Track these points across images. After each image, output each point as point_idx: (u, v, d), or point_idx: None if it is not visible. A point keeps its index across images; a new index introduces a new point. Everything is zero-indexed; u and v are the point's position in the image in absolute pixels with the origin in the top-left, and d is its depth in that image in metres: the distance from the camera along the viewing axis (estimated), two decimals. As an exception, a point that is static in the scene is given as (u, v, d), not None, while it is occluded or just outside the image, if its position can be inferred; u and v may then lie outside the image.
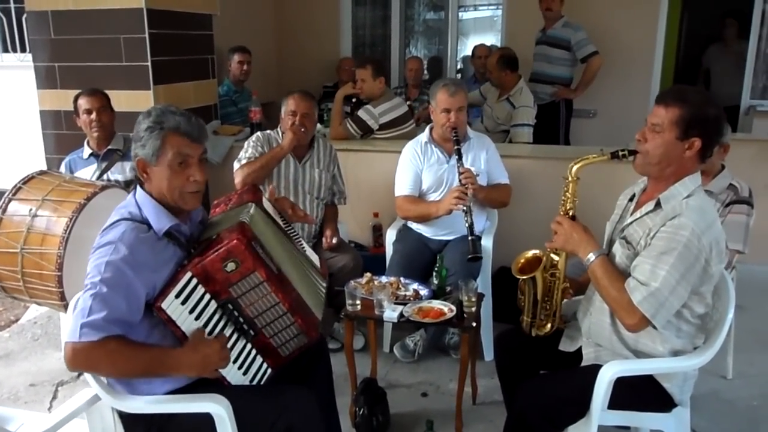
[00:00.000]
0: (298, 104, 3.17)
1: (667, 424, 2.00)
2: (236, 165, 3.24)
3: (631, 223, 1.97)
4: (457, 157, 3.02)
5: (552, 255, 2.08)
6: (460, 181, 2.95)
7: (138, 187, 1.86)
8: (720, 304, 2.05)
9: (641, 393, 1.95)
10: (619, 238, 1.99)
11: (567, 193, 2.03)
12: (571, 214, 2.02)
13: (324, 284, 2.12)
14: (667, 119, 1.85)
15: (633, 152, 1.94)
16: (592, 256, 1.91)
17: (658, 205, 1.90)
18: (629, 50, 5.35)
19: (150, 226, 1.77)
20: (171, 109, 1.82)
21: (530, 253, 2.13)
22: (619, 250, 1.96)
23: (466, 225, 2.84)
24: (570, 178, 2.01)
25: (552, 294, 2.10)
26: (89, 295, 1.65)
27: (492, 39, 6.26)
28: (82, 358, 1.65)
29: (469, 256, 2.77)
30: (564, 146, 4.83)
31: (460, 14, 6.32)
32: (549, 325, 2.12)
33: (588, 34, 4.83)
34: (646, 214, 1.93)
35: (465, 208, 2.86)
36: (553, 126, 4.91)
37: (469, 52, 5.86)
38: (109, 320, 1.63)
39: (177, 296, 1.73)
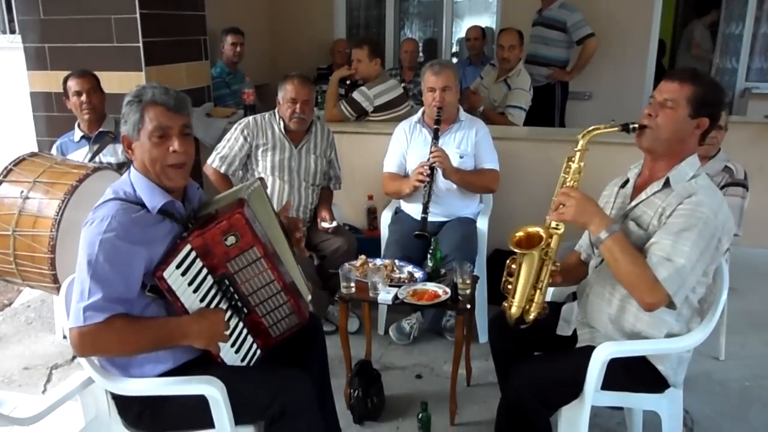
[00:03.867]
0: (298, 91, 3.12)
1: (660, 404, 2.01)
2: (212, 157, 3.26)
3: (638, 204, 1.94)
4: (433, 136, 3.07)
5: (552, 229, 1.93)
6: (427, 159, 2.99)
7: (132, 167, 1.85)
8: (714, 286, 2.06)
9: (635, 374, 1.96)
10: (630, 219, 1.94)
11: (573, 164, 1.93)
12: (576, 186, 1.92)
13: (308, 295, 2.09)
14: (683, 95, 1.84)
15: (643, 127, 1.89)
16: (606, 232, 1.80)
17: (666, 184, 1.88)
18: (625, 33, 5.32)
19: (143, 206, 1.75)
20: (152, 83, 1.83)
21: (532, 228, 1.96)
22: (629, 232, 1.91)
23: (423, 202, 2.92)
24: (579, 147, 1.93)
25: (541, 276, 1.95)
26: (86, 275, 1.64)
27: (487, 21, 6.22)
28: (89, 342, 1.65)
29: (415, 233, 2.86)
30: (559, 128, 4.81)
31: (456, -5, 6.27)
32: (534, 312, 1.96)
33: (584, 16, 4.80)
34: (654, 194, 1.91)
35: (425, 184, 2.93)
36: (548, 108, 4.89)
37: (464, 34, 5.81)
38: (109, 299, 1.63)
39: (178, 267, 1.73)
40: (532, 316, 1.96)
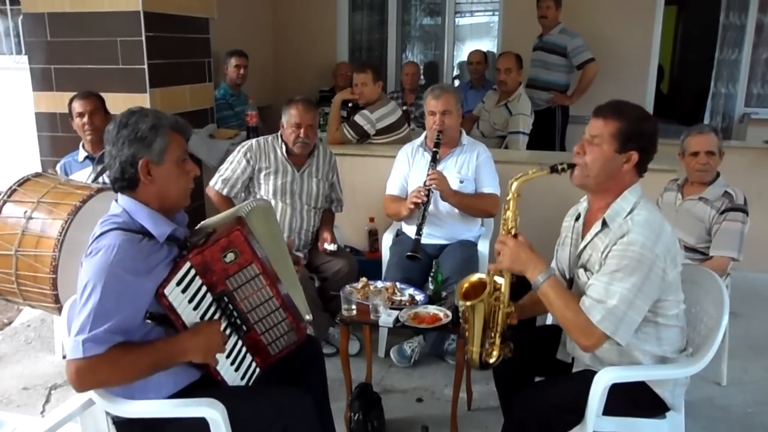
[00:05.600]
0: (302, 116, 3.14)
1: (661, 430, 2.00)
2: (214, 179, 3.27)
3: (584, 248, 1.96)
4: (431, 159, 3.10)
5: (495, 278, 1.97)
6: (424, 182, 3.01)
7: (120, 195, 1.80)
8: (714, 311, 2.06)
9: (635, 399, 1.96)
10: (578, 267, 1.96)
11: (508, 212, 1.95)
12: (514, 233, 1.94)
13: (309, 314, 2.08)
14: (606, 132, 1.86)
15: (572, 165, 1.91)
16: (541, 278, 1.85)
17: (604, 224, 1.89)
18: (625, 57, 5.37)
19: (143, 233, 1.72)
20: (157, 110, 1.85)
21: (475, 277, 2.02)
22: (581, 280, 1.93)
23: (417, 222, 2.95)
24: (511, 196, 1.94)
25: (496, 320, 1.97)
26: (89, 308, 1.60)
27: (488, 45, 6.28)
28: (89, 375, 1.62)
29: (407, 254, 2.90)
30: (560, 152, 4.84)
31: (457, 20, 6.34)
32: (495, 353, 1.97)
33: (584, 41, 4.85)
34: (596, 235, 1.92)
35: (421, 204, 2.97)
36: (549, 132, 4.92)
37: (465, 57, 5.87)
38: (110, 331, 1.61)
39: (178, 284, 1.73)
40: (493, 359, 1.98)
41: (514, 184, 1.95)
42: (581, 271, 1.94)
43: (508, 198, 1.96)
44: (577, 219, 2.07)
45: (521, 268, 1.89)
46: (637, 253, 1.78)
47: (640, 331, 1.87)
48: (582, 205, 2.07)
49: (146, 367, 1.69)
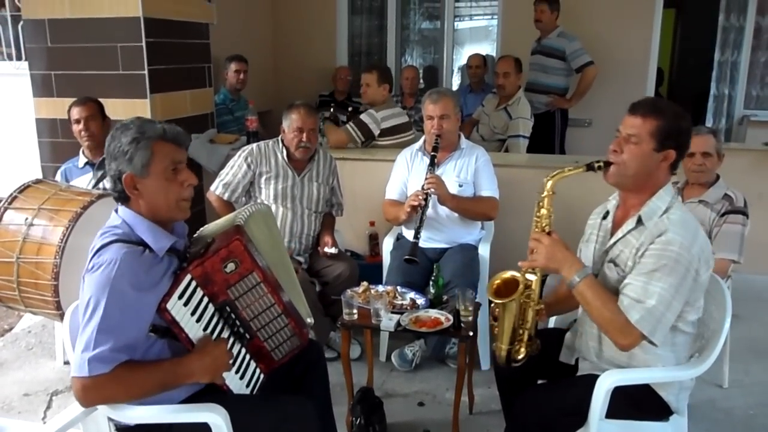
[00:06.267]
0: (304, 120, 3.15)
1: (664, 433, 2.00)
2: (215, 184, 3.28)
3: (615, 243, 1.95)
4: (429, 163, 3.11)
5: (527, 275, 1.96)
6: (422, 186, 3.01)
7: (120, 206, 1.78)
8: (716, 313, 2.06)
9: (638, 402, 1.95)
10: (607, 261, 1.96)
11: (542, 209, 1.94)
12: (547, 231, 1.93)
13: (310, 318, 2.09)
14: (645, 130, 1.85)
15: (609, 164, 1.90)
16: (577, 277, 1.85)
17: (639, 222, 1.89)
18: (624, 60, 5.39)
19: (144, 245, 1.71)
20: (146, 119, 1.79)
21: (507, 274, 1.99)
22: (608, 274, 1.94)
23: (415, 226, 2.95)
24: (545, 193, 1.94)
25: (525, 317, 1.98)
26: (93, 324, 1.59)
27: (488, 48, 6.29)
28: (95, 393, 1.62)
29: (405, 258, 2.90)
30: (560, 155, 4.85)
31: (456, 24, 6.35)
32: (524, 351, 1.98)
33: (583, 44, 4.86)
34: (629, 232, 1.91)
35: (419, 207, 2.97)
36: (548, 135, 4.93)
37: (464, 61, 5.89)
38: (116, 349, 1.60)
39: (180, 297, 1.73)
40: (521, 356, 1.99)
41: (549, 182, 1.94)
42: (610, 266, 1.93)
43: (542, 195, 1.94)
44: (604, 217, 2.06)
45: (557, 267, 1.88)
46: (676, 253, 1.78)
47: None
48: (611, 203, 2.06)
49: (152, 387, 1.68)
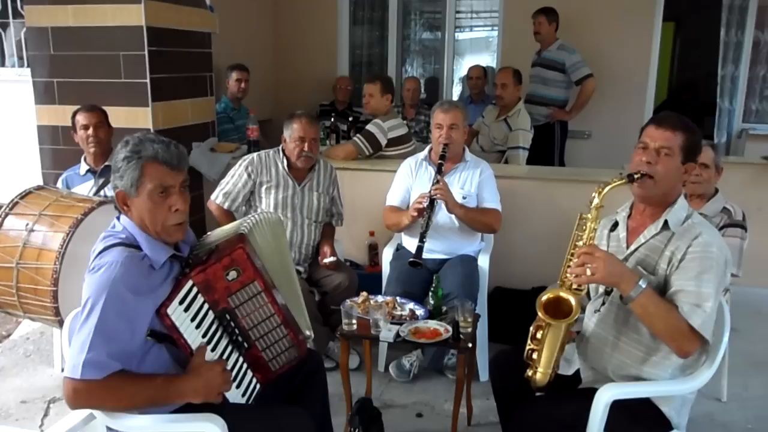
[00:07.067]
0: (306, 130, 3.16)
1: (663, 447, 2.00)
2: (216, 193, 3.28)
3: (638, 248, 1.96)
4: (437, 170, 3.13)
5: (575, 291, 1.89)
6: (429, 191, 3.02)
7: (123, 216, 1.79)
8: (716, 326, 2.06)
9: (638, 416, 1.95)
10: (632, 263, 1.95)
11: (592, 223, 1.91)
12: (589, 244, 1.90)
13: (309, 330, 2.08)
14: (676, 143, 1.88)
15: (646, 175, 1.89)
16: (637, 290, 1.78)
17: (665, 227, 1.91)
18: (623, 73, 5.41)
19: (144, 253, 1.72)
20: (150, 137, 1.75)
21: (565, 294, 1.88)
22: None
23: (421, 230, 2.95)
24: (594, 206, 1.91)
25: (564, 341, 1.93)
26: (90, 325, 1.59)
27: (488, 59, 6.32)
28: (84, 397, 1.62)
29: (409, 261, 2.92)
30: (559, 167, 4.86)
31: (457, 35, 6.38)
32: (552, 376, 1.95)
33: (583, 56, 4.89)
34: (653, 237, 1.93)
35: (425, 211, 2.97)
36: (548, 147, 4.95)
37: (465, 72, 5.91)
38: (111, 355, 1.60)
39: (181, 303, 1.73)
40: (548, 378, 1.96)
41: (596, 197, 1.92)
42: (638, 269, 1.92)
43: (591, 207, 1.93)
44: (611, 229, 2.07)
45: (615, 281, 1.83)
46: (715, 254, 1.82)
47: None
48: (621, 215, 2.07)
49: (142, 401, 1.68)
